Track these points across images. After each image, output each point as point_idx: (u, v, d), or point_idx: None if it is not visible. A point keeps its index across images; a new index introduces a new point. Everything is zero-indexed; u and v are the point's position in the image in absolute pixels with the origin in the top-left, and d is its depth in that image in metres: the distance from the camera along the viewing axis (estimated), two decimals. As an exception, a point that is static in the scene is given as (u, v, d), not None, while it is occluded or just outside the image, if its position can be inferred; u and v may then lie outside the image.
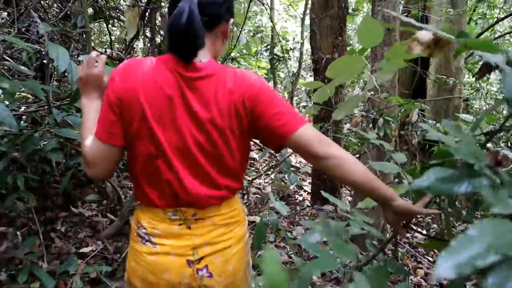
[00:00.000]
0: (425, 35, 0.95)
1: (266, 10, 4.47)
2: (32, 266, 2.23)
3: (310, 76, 8.17)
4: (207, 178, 1.20)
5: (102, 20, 4.83)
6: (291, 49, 3.78)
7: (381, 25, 1.13)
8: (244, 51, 5.39)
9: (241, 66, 6.56)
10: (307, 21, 5.08)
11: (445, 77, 6.91)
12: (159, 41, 4.57)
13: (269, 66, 5.83)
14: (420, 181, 0.68)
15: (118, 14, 4.59)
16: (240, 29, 4.51)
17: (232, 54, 5.38)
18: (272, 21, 3.93)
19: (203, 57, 1.17)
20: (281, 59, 3.35)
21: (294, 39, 3.69)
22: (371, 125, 2.68)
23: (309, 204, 4.37)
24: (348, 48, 3.67)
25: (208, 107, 1.14)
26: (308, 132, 1.15)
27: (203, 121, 1.14)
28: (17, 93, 2.88)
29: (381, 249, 1.19)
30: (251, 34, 5.67)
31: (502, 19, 7.98)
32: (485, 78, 9.12)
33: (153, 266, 1.23)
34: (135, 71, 1.16)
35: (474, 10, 7.98)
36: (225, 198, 1.25)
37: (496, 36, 8.26)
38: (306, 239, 1.35)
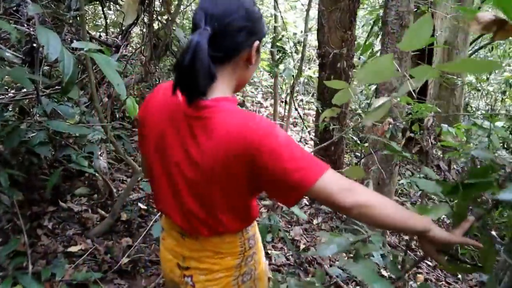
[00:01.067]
0: (484, 15, 1.00)
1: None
2: (15, 273, 2.05)
3: (309, 69, 7.98)
4: (192, 212, 1.18)
5: (98, 2, 4.61)
6: (299, 42, 3.62)
7: (430, 26, 0.97)
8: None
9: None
10: (311, 13, 4.89)
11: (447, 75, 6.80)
12: (157, 28, 4.36)
13: (269, 57, 5.64)
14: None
15: (114, -3, 4.36)
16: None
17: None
18: (276, 10, 3.74)
19: (216, 92, 1.09)
20: (287, 52, 3.20)
21: (302, 31, 3.53)
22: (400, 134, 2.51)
23: (307, 203, 4.22)
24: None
25: (200, 148, 1.07)
26: (326, 183, 1.01)
27: (193, 161, 1.10)
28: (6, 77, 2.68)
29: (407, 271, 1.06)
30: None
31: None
32: (485, 78, 8.99)
33: (161, 254, 1.39)
34: (157, 94, 1.21)
35: (479, 8, 7.83)
36: (212, 233, 1.21)
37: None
38: (323, 252, 1.31)
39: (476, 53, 8.52)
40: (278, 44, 3.12)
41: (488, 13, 0.97)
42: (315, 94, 8.07)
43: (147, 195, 3.25)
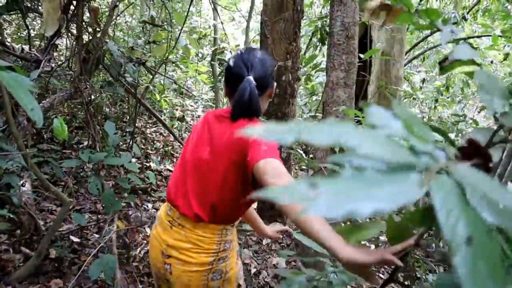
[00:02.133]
0: (372, 2, 1.07)
1: (209, 10, 4.08)
2: None
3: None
4: (197, 194, 1.51)
5: (19, 11, 4.18)
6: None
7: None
8: (181, 53, 4.96)
9: (180, 70, 6.11)
10: (252, 25, 4.76)
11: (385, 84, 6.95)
12: (87, 40, 4.01)
13: (210, 69, 5.42)
14: None
15: (37, 6, 3.97)
16: (180, 30, 4.07)
17: (171, 57, 4.91)
18: (216, 20, 3.55)
19: None
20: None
21: (243, 43, 3.32)
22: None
23: (256, 222, 4.03)
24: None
25: (220, 135, 1.50)
26: (268, 165, 1.24)
27: (209, 143, 1.53)
28: None
29: None
30: (190, 35, 5.24)
31: (437, 31, 8.18)
32: (418, 87, 9.33)
33: (150, 241, 1.66)
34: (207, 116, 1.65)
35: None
36: (200, 219, 1.50)
37: (430, 47, 8.50)
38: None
39: (409, 63, 8.84)
40: (219, 57, 2.91)
41: (375, 0, 1.02)
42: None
43: (80, 227, 2.90)
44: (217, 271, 1.55)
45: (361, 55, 3.05)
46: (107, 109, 6.05)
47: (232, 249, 1.62)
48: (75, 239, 2.92)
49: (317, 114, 5.01)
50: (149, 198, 4.07)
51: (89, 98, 3.54)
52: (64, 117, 4.84)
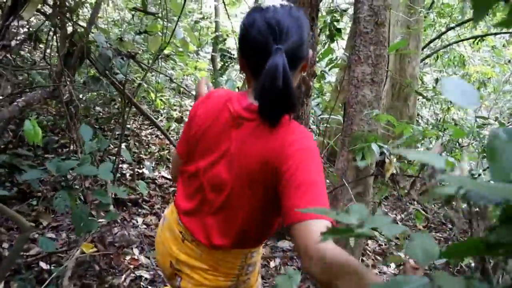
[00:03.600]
0: None
1: (211, 7, 3.59)
2: None
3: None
4: (219, 225, 1.19)
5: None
6: None
7: None
8: (180, 48, 4.44)
9: (179, 66, 5.58)
10: None
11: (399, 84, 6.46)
12: (71, 30, 3.51)
13: (210, 67, 4.90)
14: None
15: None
16: (177, 21, 3.56)
17: (166, 51, 4.39)
18: (220, 10, 3.06)
19: None
20: (233, 57, 2.49)
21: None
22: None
23: (262, 240, 3.52)
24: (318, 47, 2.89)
25: (244, 149, 1.11)
26: (314, 232, 0.89)
27: (232, 160, 1.13)
28: None
29: None
30: (192, 32, 4.71)
31: (452, 28, 7.70)
32: (431, 86, 8.78)
33: (156, 242, 1.41)
34: (208, 100, 1.25)
35: (425, 17, 7.63)
36: (219, 248, 1.20)
37: (446, 45, 7.99)
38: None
39: (421, 62, 8.33)
40: (221, 47, 2.40)
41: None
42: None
43: (48, 254, 2.39)
44: None
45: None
46: (99, 109, 5.54)
47: (254, 269, 1.35)
48: (45, 266, 2.42)
49: (325, 115, 4.45)
50: (139, 211, 3.55)
51: (70, 97, 3.02)
52: (48, 118, 4.32)
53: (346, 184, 2.57)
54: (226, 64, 2.26)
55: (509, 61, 9.31)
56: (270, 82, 0.96)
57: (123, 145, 4.71)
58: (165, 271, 1.37)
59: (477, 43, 7.97)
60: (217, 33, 2.73)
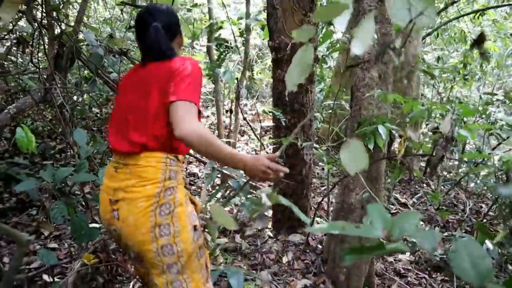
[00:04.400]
0: None
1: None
2: None
3: (251, 70, 7.20)
4: (136, 129, 1.53)
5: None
6: (243, 32, 2.67)
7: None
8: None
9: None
10: None
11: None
12: (59, 31, 3.36)
13: (207, 60, 4.74)
14: None
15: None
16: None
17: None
18: None
19: None
20: (230, 47, 2.33)
21: (245, 17, 2.64)
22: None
23: (271, 235, 3.40)
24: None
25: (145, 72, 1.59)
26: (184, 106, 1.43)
27: (138, 80, 1.61)
28: None
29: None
30: (182, 19, 4.55)
31: (452, 3, 7.50)
32: (433, 65, 8.61)
33: (100, 197, 1.61)
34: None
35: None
36: (143, 147, 1.50)
37: (446, 21, 7.80)
38: None
39: (425, 39, 8.14)
40: (216, 36, 2.25)
41: None
42: (263, 97, 7.22)
43: (51, 266, 2.27)
44: (164, 205, 1.49)
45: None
46: (96, 110, 5.41)
47: (179, 181, 1.57)
48: (48, 279, 2.30)
49: (329, 101, 4.31)
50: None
51: (61, 100, 2.89)
52: (44, 124, 4.19)
53: (357, 172, 2.44)
54: (223, 54, 2.13)
55: (511, 34, 9.10)
56: (150, 41, 1.55)
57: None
58: (106, 216, 1.56)
59: (478, 18, 7.79)
60: (211, 21, 2.59)
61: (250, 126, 3.69)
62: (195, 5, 2.98)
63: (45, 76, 3.16)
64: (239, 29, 2.20)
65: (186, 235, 1.51)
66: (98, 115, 5.39)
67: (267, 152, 3.45)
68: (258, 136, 3.92)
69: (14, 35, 3.89)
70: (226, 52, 1.95)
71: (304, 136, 2.82)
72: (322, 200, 3.47)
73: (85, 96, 5.11)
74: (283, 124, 2.61)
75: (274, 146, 2.98)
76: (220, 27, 1.96)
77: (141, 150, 1.50)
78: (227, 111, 4.04)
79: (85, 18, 6.70)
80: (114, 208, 1.50)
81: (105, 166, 2.26)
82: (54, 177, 1.97)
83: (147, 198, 1.45)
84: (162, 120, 1.49)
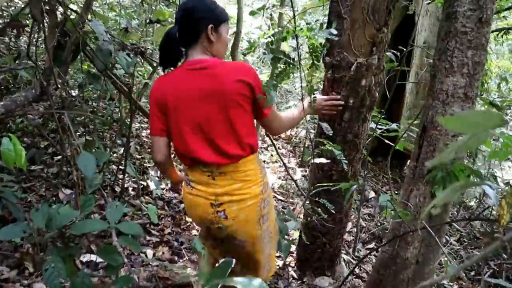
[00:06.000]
0: None
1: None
2: None
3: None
4: (224, 141, 1.65)
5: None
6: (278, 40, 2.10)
7: None
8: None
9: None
10: None
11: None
12: (62, 18, 2.84)
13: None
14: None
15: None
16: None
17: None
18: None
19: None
20: (293, 63, 1.79)
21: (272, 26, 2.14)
22: None
23: (295, 276, 2.93)
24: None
25: (212, 82, 1.66)
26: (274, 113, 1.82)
27: (209, 93, 1.64)
28: None
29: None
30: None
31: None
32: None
33: (191, 201, 1.74)
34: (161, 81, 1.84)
35: None
36: (239, 156, 1.65)
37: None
38: None
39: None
40: (272, 47, 1.73)
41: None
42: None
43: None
44: (265, 200, 1.74)
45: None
46: (94, 104, 4.86)
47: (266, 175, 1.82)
48: None
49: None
50: (148, 239, 2.94)
51: (63, 100, 2.37)
52: (23, 130, 3.59)
53: (428, 228, 1.98)
54: (286, 70, 1.61)
55: (530, 54, 8.74)
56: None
57: (122, 150, 4.08)
58: (207, 217, 1.70)
59: (502, 36, 7.40)
60: (276, 30, 2.11)
61: (273, 144, 3.22)
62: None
63: (42, 71, 2.63)
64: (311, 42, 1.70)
65: (273, 217, 1.89)
66: (95, 109, 4.83)
67: (294, 181, 2.98)
68: (281, 157, 3.45)
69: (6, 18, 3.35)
70: (289, 68, 1.48)
71: (351, 170, 2.35)
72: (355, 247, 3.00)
73: (86, 91, 4.57)
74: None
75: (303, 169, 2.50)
76: (285, 38, 1.49)
77: (238, 159, 1.65)
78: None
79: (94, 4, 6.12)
80: (219, 210, 1.67)
81: (113, 205, 1.75)
82: (48, 223, 1.48)
83: (255, 197, 1.69)
84: (250, 127, 1.69)
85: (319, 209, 2.21)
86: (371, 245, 3.98)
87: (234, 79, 1.58)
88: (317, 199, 2.14)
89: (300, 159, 5.55)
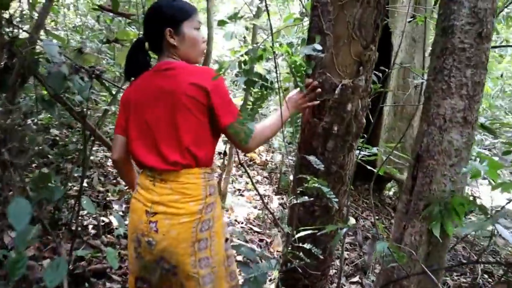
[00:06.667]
0: None
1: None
2: None
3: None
4: (168, 145, 1.55)
5: None
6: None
7: None
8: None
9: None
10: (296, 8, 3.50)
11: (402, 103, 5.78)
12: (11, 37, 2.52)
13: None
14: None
15: None
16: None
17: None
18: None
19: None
20: (270, 86, 1.57)
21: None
22: None
23: None
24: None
25: (167, 83, 1.58)
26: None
27: (160, 96, 1.58)
28: None
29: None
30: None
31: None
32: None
33: (131, 206, 1.63)
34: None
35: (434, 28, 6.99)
36: (184, 166, 1.53)
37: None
38: None
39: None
40: (245, 69, 1.51)
41: None
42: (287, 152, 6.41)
43: None
44: (205, 221, 1.56)
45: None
46: (56, 132, 4.48)
47: (216, 196, 1.64)
48: None
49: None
50: (108, 286, 2.58)
51: (3, 135, 2.04)
52: None
53: (428, 271, 1.72)
54: (263, 96, 1.40)
55: (501, 75, 8.84)
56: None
57: (84, 182, 3.72)
58: (139, 226, 1.56)
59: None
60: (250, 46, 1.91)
61: (247, 173, 2.92)
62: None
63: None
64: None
65: (220, 248, 1.63)
66: (58, 138, 4.45)
67: (270, 210, 2.69)
68: (256, 185, 3.16)
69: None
70: (267, 93, 1.24)
71: (336, 204, 2.08)
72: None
73: (42, 115, 4.21)
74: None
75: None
76: (261, 57, 1.24)
77: (181, 168, 1.53)
78: (219, 153, 3.29)
79: (51, 24, 5.77)
80: (152, 220, 1.53)
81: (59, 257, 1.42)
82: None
83: (191, 214, 1.53)
84: (200, 136, 1.55)
85: (302, 253, 1.92)
86: (355, 278, 3.72)
87: (188, 81, 1.50)
88: (300, 244, 1.85)
89: (276, 185, 5.27)
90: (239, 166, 5.59)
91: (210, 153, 1.61)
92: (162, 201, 1.52)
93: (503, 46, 7.50)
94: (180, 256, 1.52)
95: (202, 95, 1.49)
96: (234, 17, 1.19)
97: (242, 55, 1.22)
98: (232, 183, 4.99)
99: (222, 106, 1.51)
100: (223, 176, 3.47)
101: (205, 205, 1.55)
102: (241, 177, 5.36)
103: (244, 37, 6.47)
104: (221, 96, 1.51)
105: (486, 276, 3.94)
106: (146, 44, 1.67)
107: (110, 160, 4.58)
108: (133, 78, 1.70)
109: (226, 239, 1.71)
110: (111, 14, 2.50)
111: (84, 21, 4.94)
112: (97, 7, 2.37)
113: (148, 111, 1.57)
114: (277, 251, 3.74)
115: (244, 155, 5.94)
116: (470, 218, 4.43)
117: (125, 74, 1.73)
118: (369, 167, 3.51)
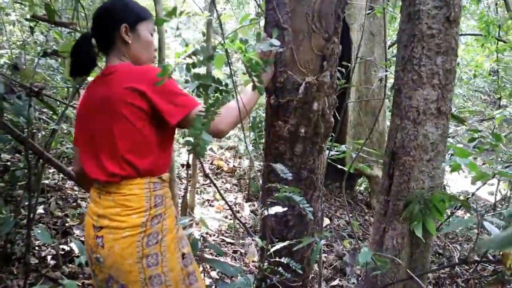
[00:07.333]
0: None
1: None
2: None
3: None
4: (104, 157, 1.46)
5: None
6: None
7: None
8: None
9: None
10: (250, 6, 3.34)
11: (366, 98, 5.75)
12: None
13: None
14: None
15: None
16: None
17: (91, 78, 3.19)
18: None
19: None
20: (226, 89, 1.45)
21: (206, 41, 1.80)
22: None
23: None
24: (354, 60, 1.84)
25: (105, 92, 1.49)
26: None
27: (99, 105, 1.49)
28: None
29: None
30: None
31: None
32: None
33: (85, 220, 1.53)
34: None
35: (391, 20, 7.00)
36: (124, 177, 1.43)
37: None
38: None
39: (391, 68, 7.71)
40: (198, 74, 1.37)
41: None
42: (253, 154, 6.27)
43: None
44: (152, 235, 1.44)
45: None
46: (7, 157, 4.15)
47: (166, 207, 1.52)
48: None
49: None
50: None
51: None
52: None
53: (414, 277, 1.60)
54: (218, 100, 1.29)
55: (458, 64, 9.01)
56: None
57: (40, 209, 3.44)
58: (89, 241, 1.47)
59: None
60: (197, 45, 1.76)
61: (213, 183, 2.75)
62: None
63: None
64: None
65: (174, 264, 1.50)
66: (9, 162, 4.13)
67: (243, 223, 2.51)
68: (224, 194, 2.98)
69: None
70: (223, 97, 1.08)
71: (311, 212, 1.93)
72: None
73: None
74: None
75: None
76: (212, 57, 1.08)
77: (120, 179, 1.44)
78: (183, 166, 3.10)
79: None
80: (98, 235, 1.44)
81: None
82: None
83: (133, 228, 1.41)
84: (139, 145, 1.45)
85: (280, 267, 1.77)
86: (335, 282, 3.59)
87: (123, 85, 1.39)
88: (277, 258, 1.69)
89: (246, 192, 5.10)
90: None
91: (157, 160, 1.48)
92: (105, 214, 1.44)
93: (469, 34, 7.61)
94: (127, 274, 1.40)
95: (139, 99, 1.38)
96: (173, 13, 1.01)
97: (189, 56, 1.05)
98: (200, 193, 4.78)
99: (167, 102, 1.38)
100: (189, 188, 3.28)
101: (150, 217, 1.44)
102: (210, 187, 5.16)
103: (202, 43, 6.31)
104: (161, 92, 1.38)
105: (463, 264, 3.90)
106: (93, 41, 1.57)
107: (68, 182, 4.30)
108: (88, 79, 1.65)
109: (183, 255, 1.57)
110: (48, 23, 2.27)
111: (34, 37, 4.65)
112: (31, 16, 2.14)
113: (91, 121, 1.50)
114: (253, 261, 3.58)
115: (211, 163, 5.75)
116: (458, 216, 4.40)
117: (71, 72, 1.61)
118: (339, 166, 3.41)
